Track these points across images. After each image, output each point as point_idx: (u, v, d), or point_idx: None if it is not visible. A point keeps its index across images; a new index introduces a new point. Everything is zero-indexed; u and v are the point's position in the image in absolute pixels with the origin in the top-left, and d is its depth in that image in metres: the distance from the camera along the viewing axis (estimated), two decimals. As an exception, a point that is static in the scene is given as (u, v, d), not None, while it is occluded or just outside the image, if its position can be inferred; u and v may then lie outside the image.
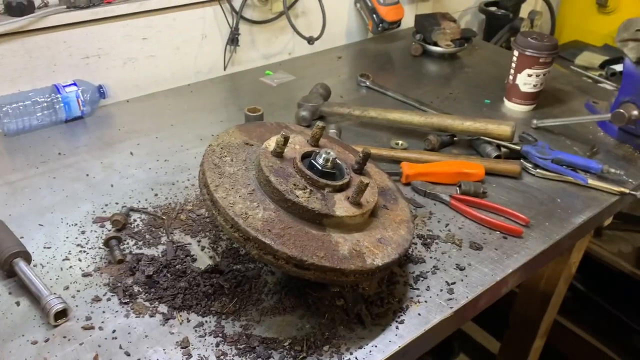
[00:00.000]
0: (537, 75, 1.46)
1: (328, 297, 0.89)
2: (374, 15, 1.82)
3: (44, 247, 0.97)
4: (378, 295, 0.91)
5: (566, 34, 2.48)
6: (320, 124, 0.93)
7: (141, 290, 0.90)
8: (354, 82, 1.64)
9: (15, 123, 1.27)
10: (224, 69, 1.60)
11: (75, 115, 1.35)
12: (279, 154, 0.87)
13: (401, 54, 1.86)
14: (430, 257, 1.00)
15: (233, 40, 1.59)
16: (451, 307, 0.90)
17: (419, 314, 0.88)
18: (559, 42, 2.41)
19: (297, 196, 0.82)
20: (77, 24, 1.33)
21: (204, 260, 0.96)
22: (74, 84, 1.33)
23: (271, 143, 0.89)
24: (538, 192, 1.19)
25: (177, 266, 0.94)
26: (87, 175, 1.17)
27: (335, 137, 1.25)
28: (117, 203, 1.09)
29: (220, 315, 0.86)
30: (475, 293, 0.93)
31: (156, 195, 1.12)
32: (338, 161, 0.91)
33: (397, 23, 1.85)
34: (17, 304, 0.86)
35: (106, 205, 1.08)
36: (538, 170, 1.24)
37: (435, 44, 1.80)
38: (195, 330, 0.83)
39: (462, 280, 0.95)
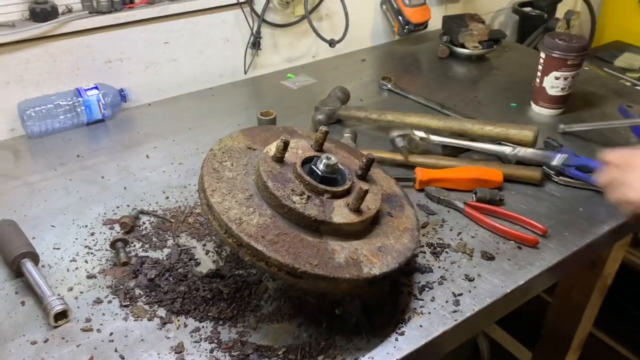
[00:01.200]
0: (565, 78, 1.39)
1: (328, 306, 0.88)
2: (400, 17, 1.79)
3: (54, 248, 0.99)
4: (379, 305, 0.88)
5: (608, 34, 2.38)
6: (323, 128, 0.91)
7: (142, 293, 0.90)
8: (376, 85, 1.61)
9: (38, 126, 1.30)
10: (245, 72, 1.61)
11: (97, 118, 1.37)
12: (279, 158, 0.86)
13: (428, 56, 1.82)
14: (439, 267, 0.97)
15: (255, 43, 1.59)
16: (455, 320, 0.87)
17: (421, 326, 0.85)
18: (599, 43, 2.32)
19: (294, 202, 0.81)
20: (99, 28, 1.36)
21: (207, 264, 0.96)
22: (96, 88, 1.36)
23: (272, 147, 0.87)
24: (559, 200, 1.14)
25: (179, 270, 0.94)
26: (102, 177, 1.19)
27: (347, 142, 1.23)
28: (128, 205, 1.10)
29: (218, 320, 0.85)
30: (482, 305, 0.89)
31: (167, 198, 1.13)
32: (340, 166, 0.89)
33: (424, 25, 1.81)
34: (22, 303, 0.88)
35: (118, 207, 1.10)
36: (561, 177, 1.18)
37: (462, 46, 1.75)
38: (191, 336, 0.83)
39: (469, 292, 0.92)
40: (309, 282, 0.77)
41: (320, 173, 0.85)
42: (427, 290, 0.92)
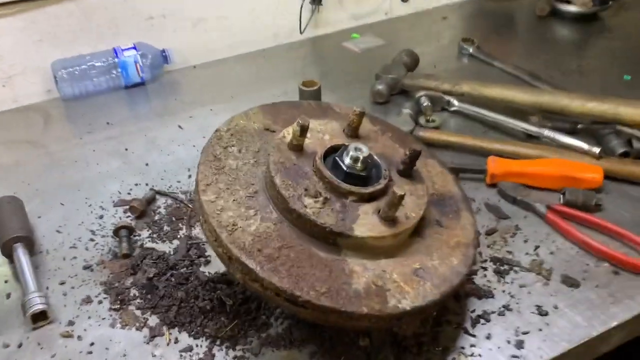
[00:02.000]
0: (703, 45, 1.07)
1: (351, 334, 0.70)
2: (492, -33, 1.50)
3: (56, 231, 0.88)
4: (416, 339, 0.69)
5: None
6: (357, 109, 0.71)
7: (137, 294, 0.77)
8: (455, 49, 1.36)
9: (71, 88, 1.20)
10: (301, 32, 1.41)
11: (135, 81, 1.25)
12: (297, 146, 0.68)
13: (524, 15, 1.53)
14: (503, 291, 0.75)
15: (315, -2, 1.39)
16: (515, 370, 0.66)
17: (467, 374, 0.66)
18: None
19: (305, 205, 0.63)
20: (138, -20, 1.23)
21: (217, 263, 0.81)
22: (134, 48, 1.23)
23: (291, 131, 0.69)
24: (681, 209, 0.87)
25: (182, 270, 0.80)
26: (126, 149, 1.07)
27: (405, 120, 1.02)
28: (147, 184, 0.97)
29: (214, 339, 0.70)
30: (554, 352, 0.67)
31: (190, 177, 0.99)
32: (376, 159, 0.69)
33: (521, -24, 1.51)
34: (8, 296, 0.78)
35: (136, 185, 0.97)
36: (685, 177, 0.90)
37: (568, 2, 1.44)
38: (181, 356, 0.69)
39: (540, 330, 0.70)
40: (314, 314, 0.59)
41: (345, 168, 0.66)
42: (483, 323, 0.71)
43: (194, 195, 0.67)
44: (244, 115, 0.77)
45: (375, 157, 0.69)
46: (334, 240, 0.63)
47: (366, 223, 0.63)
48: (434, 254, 0.67)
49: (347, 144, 0.69)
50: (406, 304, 0.60)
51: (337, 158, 0.67)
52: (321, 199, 0.64)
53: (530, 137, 1.02)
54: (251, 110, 0.78)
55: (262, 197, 0.66)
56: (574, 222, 0.84)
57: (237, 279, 0.61)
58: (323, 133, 0.72)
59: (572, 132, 1.01)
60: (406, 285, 0.62)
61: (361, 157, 0.66)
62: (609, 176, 0.91)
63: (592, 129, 1.01)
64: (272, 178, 0.65)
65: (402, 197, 0.62)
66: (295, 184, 0.64)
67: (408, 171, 0.70)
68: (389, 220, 0.64)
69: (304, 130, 0.67)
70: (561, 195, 0.89)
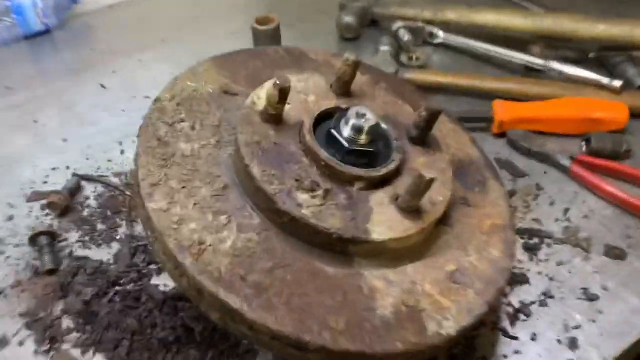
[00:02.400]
0: None
1: (362, 353, 0.54)
2: None
3: (-51, 244, 0.66)
4: (448, 350, 0.54)
5: None
6: (350, 56, 0.52)
7: (72, 325, 0.57)
8: (424, -32, 1.16)
9: (-48, 44, 0.93)
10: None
11: (37, 29, 0.99)
12: (274, 117, 0.49)
13: None
14: (538, 273, 0.61)
15: None
16: (575, 380, 0.52)
17: (518, 393, 0.52)
18: None
19: (299, 204, 0.44)
20: None
21: (174, 271, 0.62)
22: (30, -14, 0.96)
23: (262, 95, 0.50)
24: None
25: (128, 286, 0.60)
26: (36, 121, 0.83)
27: (385, 59, 0.84)
28: (67, 167, 0.75)
29: (185, 382, 0.53)
30: (616, 349, 0.55)
31: (123, 152, 0.77)
32: (382, 126, 0.51)
33: None
34: None
35: (53, 169, 0.75)
36: None
37: None
38: (142, 410, 0.51)
39: (592, 322, 0.57)
40: (327, 359, 0.42)
41: (346, 144, 0.48)
42: (523, 320, 0.57)
43: (137, 199, 0.47)
44: (190, 73, 0.56)
45: (382, 124, 0.51)
46: (344, 247, 0.45)
47: (384, 219, 0.46)
48: (468, 245, 0.51)
49: (341, 106, 0.50)
50: (450, 327, 0.44)
51: (332, 130, 0.48)
52: (320, 192, 0.45)
53: (531, 71, 0.86)
54: (200, 66, 0.57)
55: (234, 194, 0.47)
56: (605, 175, 0.70)
57: (212, 319, 0.43)
58: (305, 93, 0.52)
59: (579, 63, 0.86)
60: (444, 298, 0.46)
61: (366, 127, 0.48)
62: (633, 113, 0.77)
63: (603, 57, 0.86)
64: (246, 167, 0.45)
65: (431, 180, 0.45)
66: (281, 173, 0.46)
67: (423, 137, 0.53)
68: (411, 210, 0.47)
69: (283, 94, 0.47)
70: (583, 143, 0.74)
